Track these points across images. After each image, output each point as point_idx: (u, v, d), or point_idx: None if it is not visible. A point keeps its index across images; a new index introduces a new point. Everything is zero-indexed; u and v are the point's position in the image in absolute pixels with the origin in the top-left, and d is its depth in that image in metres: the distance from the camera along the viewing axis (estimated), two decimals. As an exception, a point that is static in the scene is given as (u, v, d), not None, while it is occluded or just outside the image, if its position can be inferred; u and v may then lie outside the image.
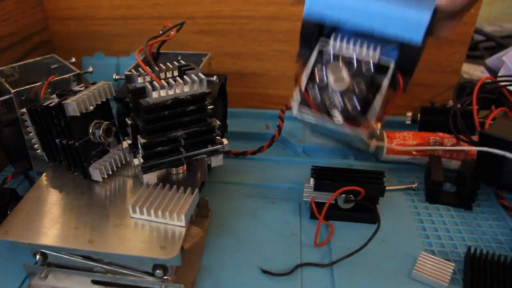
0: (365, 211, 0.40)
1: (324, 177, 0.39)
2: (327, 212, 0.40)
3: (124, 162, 0.39)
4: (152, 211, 0.32)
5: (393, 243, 0.38)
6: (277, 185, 0.47)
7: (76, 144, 0.35)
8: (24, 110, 0.37)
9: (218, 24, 0.59)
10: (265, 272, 0.35)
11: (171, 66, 0.36)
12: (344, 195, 0.39)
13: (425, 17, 0.28)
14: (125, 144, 0.36)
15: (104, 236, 0.31)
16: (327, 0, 0.30)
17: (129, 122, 0.34)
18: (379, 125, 0.31)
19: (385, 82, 0.30)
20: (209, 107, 0.34)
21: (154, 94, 0.32)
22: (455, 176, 0.46)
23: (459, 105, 0.47)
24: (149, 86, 0.31)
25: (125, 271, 0.33)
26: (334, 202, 0.40)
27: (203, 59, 0.47)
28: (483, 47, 0.80)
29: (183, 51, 0.49)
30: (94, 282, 0.33)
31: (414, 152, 0.48)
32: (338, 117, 0.30)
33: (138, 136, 0.33)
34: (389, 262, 0.36)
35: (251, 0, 0.56)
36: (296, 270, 0.35)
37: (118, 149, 0.39)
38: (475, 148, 0.39)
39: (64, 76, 0.41)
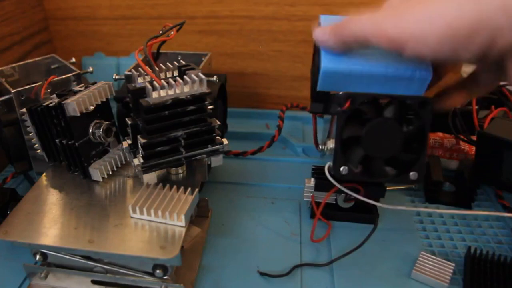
0: (365, 212, 0.40)
1: (325, 177, 0.39)
2: (328, 213, 0.40)
3: (124, 162, 0.39)
4: (152, 211, 0.32)
5: (393, 243, 0.38)
6: (277, 185, 0.47)
7: (76, 144, 0.35)
8: (24, 110, 0.37)
9: (218, 24, 0.59)
10: (262, 274, 0.35)
11: (171, 66, 0.36)
12: (343, 193, 0.38)
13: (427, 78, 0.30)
14: (125, 144, 0.36)
15: (104, 236, 0.31)
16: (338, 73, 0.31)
17: (129, 122, 0.34)
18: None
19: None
20: (209, 107, 0.34)
21: (154, 94, 0.32)
22: (454, 176, 0.46)
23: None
24: (149, 86, 0.31)
25: (125, 271, 0.33)
26: (334, 202, 0.40)
27: (203, 59, 0.47)
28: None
29: (183, 51, 0.49)
30: (94, 282, 0.33)
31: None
32: None
33: (138, 136, 0.33)
34: (389, 262, 0.36)
35: (251, 0, 0.56)
36: (296, 270, 0.35)
37: (118, 149, 0.39)
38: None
39: (64, 76, 0.41)
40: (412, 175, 0.30)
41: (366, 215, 0.40)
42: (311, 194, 0.39)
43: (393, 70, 0.30)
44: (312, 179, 0.39)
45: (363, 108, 0.30)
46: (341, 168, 0.30)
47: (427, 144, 0.30)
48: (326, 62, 0.33)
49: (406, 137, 0.30)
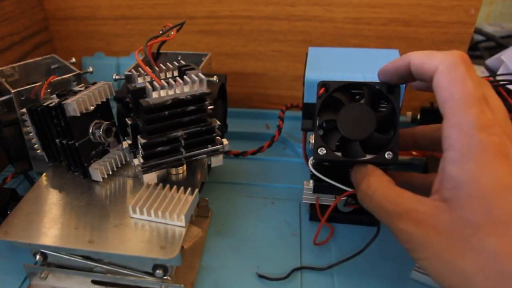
0: (365, 214, 0.40)
1: (324, 179, 0.39)
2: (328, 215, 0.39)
3: (124, 162, 0.39)
4: (152, 211, 0.32)
5: (393, 244, 0.38)
6: (277, 185, 0.47)
7: (76, 144, 0.35)
8: (24, 110, 0.37)
9: (218, 24, 0.59)
10: (261, 276, 0.35)
11: (171, 66, 0.36)
12: (344, 198, 0.38)
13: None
14: (125, 144, 0.36)
15: (104, 236, 0.31)
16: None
17: (129, 122, 0.34)
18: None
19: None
20: (209, 107, 0.34)
21: (154, 94, 0.32)
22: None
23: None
24: (149, 86, 0.31)
25: (125, 271, 0.33)
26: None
27: (203, 59, 0.47)
28: (483, 47, 0.80)
29: (183, 51, 0.49)
30: (94, 282, 0.33)
31: (414, 153, 0.48)
32: None
33: (138, 136, 0.33)
34: (389, 263, 0.36)
35: (251, 0, 0.56)
36: (296, 272, 0.35)
37: (118, 149, 0.39)
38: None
39: (64, 76, 0.41)
40: (387, 154, 0.32)
41: (367, 217, 0.40)
42: (309, 197, 0.39)
43: (371, 78, 0.35)
44: (311, 182, 0.39)
45: (337, 95, 0.33)
46: (319, 150, 0.33)
47: (398, 126, 0.32)
48: (310, 73, 0.39)
49: (379, 120, 0.32)
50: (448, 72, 0.26)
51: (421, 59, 0.28)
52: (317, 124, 0.33)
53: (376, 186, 0.30)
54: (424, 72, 0.28)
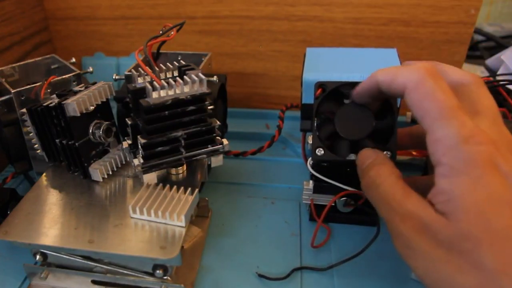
0: (365, 214, 0.40)
1: (323, 180, 0.39)
2: (327, 214, 0.39)
3: (124, 162, 0.39)
4: (152, 211, 0.32)
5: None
6: (277, 185, 0.47)
7: (76, 144, 0.35)
8: (24, 110, 0.37)
9: (218, 24, 0.59)
10: (261, 276, 0.35)
11: (171, 66, 0.36)
12: (344, 198, 0.38)
13: None
14: (125, 144, 0.36)
15: (104, 236, 0.31)
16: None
17: (129, 122, 0.34)
18: None
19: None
20: (209, 107, 0.34)
21: (154, 94, 0.32)
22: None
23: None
24: (149, 86, 0.31)
25: (125, 271, 0.33)
26: (333, 204, 0.39)
27: (203, 59, 0.47)
28: (483, 47, 0.80)
29: (183, 51, 0.49)
30: (94, 282, 0.33)
31: (414, 153, 0.48)
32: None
33: (138, 136, 0.33)
34: (389, 263, 0.36)
35: (251, 0, 0.56)
36: (296, 273, 0.35)
37: (118, 149, 0.39)
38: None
39: (64, 76, 0.41)
40: (386, 154, 0.32)
41: (367, 217, 0.40)
42: (309, 197, 0.39)
43: None
44: (311, 182, 0.39)
45: (334, 95, 0.33)
46: (317, 150, 0.33)
47: (396, 124, 0.32)
48: (308, 74, 0.39)
49: (377, 117, 0.32)
50: (416, 89, 0.26)
51: (388, 80, 0.28)
52: (315, 124, 0.33)
53: (386, 177, 0.28)
54: (395, 92, 0.27)
